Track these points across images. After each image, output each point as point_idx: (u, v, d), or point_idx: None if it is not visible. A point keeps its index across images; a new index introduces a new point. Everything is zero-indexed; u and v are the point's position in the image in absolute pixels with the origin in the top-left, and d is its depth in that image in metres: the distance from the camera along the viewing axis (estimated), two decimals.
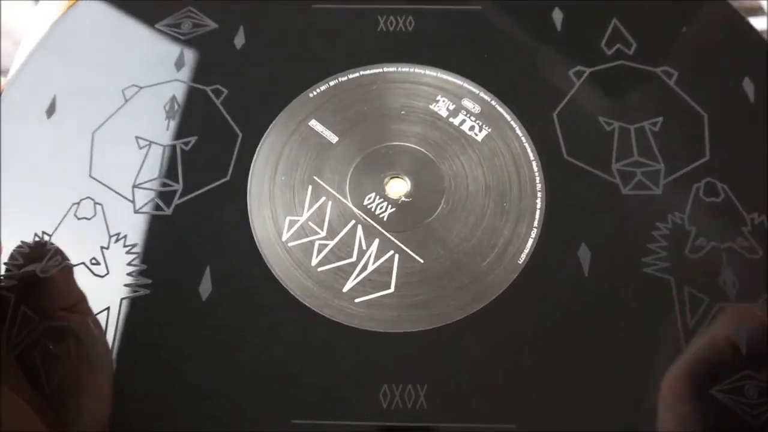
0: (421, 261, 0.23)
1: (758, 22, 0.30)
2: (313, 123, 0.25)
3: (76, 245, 0.23)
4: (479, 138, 0.25)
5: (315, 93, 0.26)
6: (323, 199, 0.24)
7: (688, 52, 0.26)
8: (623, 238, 0.23)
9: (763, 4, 0.30)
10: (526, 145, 0.25)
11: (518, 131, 0.25)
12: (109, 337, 0.22)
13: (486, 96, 0.26)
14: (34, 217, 0.24)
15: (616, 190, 0.24)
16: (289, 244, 0.23)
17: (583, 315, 0.22)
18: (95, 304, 0.23)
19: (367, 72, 0.26)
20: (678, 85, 0.26)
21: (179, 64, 0.26)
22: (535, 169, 0.24)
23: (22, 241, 0.23)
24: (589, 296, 0.22)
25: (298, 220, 0.24)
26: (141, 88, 0.26)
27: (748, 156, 0.24)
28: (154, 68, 0.26)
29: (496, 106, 0.25)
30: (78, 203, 0.24)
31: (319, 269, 0.23)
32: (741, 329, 0.21)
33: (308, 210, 0.24)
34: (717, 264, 0.23)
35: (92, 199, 0.24)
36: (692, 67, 0.26)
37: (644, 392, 0.21)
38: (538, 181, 0.24)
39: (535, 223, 0.23)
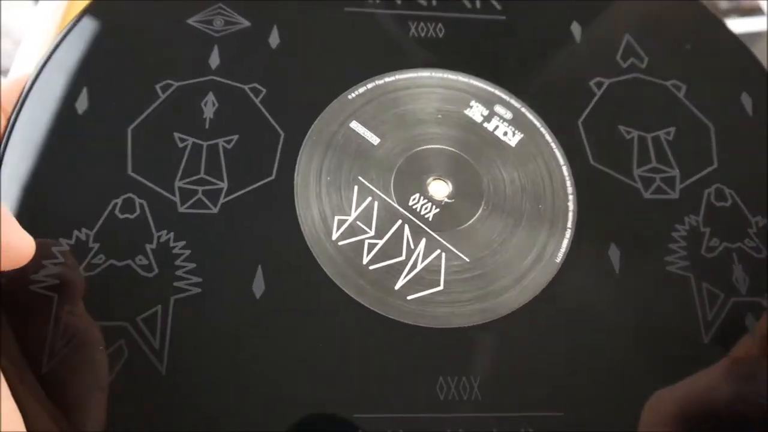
0: (467, 260, 0.24)
1: (758, 22, 0.32)
2: (354, 125, 0.26)
3: (120, 244, 0.23)
4: (512, 143, 0.26)
5: (354, 95, 0.26)
6: (369, 199, 0.25)
7: (693, 68, 0.29)
8: (648, 239, 0.25)
9: (763, 4, 0.33)
10: (556, 150, 0.26)
11: (548, 137, 0.27)
12: (162, 336, 0.22)
13: (516, 103, 0.27)
14: (71, 214, 0.23)
15: (639, 194, 0.26)
16: (340, 243, 0.24)
17: (617, 309, 0.24)
18: (145, 304, 0.22)
19: (403, 76, 0.27)
20: (686, 97, 0.28)
21: (214, 61, 0.26)
22: (566, 173, 0.26)
23: (61, 239, 0.23)
24: (622, 292, 0.24)
25: (347, 220, 0.24)
26: (176, 84, 0.26)
27: (750, 164, 0.27)
28: (188, 65, 0.26)
29: (526, 113, 0.27)
30: (119, 200, 0.24)
31: (371, 267, 0.24)
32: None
33: (356, 210, 0.24)
34: (729, 263, 0.25)
35: (134, 197, 0.24)
36: (697, 81, 0.28)
37: (673, 379, 0.23)
38: (569, 185, 0.26)
39: (569, 224, 0.25)
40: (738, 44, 0.29)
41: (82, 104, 0.25)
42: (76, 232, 0.23)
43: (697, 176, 0.26)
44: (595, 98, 0.27)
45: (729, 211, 0.26)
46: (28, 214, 0.23)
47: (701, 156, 0.27)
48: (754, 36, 0.36)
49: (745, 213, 0.26)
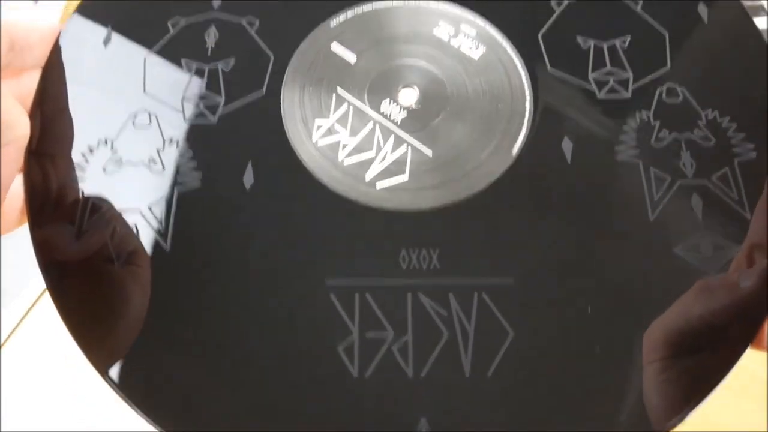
0: (430, 153, 0.27)
1: (758, 22, 0.33)
2: (335, 45, 0.30)
3: (136, 148, 0.27)
4: (476, 56, 0.29)
5: (335, 23, 0.30)
6: (345, 105, 0.28)
7: None
8: (599, 132, 0.28)
9: (764, 3, 0.34)
10: (516, 60, 0.29)
11: (509, 50, 0.29)
12: (167, 220, 0.26)
13: (481, 22, 0.30)
14: (99, 126, 0.28)
15: (593, 95, 0.28)
16: (318, 143, 0.27)
17: (567, 194, 0.26)
18: (154, 195, 0.27)
19: (380, 6, 0.30)
20: (643, 9, 0.30)
21: (216, 1, 0.31)
22: (524, 78, 0.29)
23: (88, 145, 0.28)
24: (573, 179, 0.27)
25: (325, 123, 0.28)
26: (184, 18, 0.30)
27: (704, 66, 0.29)
28: (193, 4, 0.30)
29: (489, 29, 0.30)
30: (135, 114, 0.28)
31: (345, 163, 0.27)
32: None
33: (333, 114, 0.28)
34: (678, 150, 0.27)
35: (148, 111, 0.28)
36: None
37: (619, 250, 0.25)
38: (526, 87, 0.28)
39: (525, 122, 0.28)
40: None
41: (107, 40, 0.30)
42: (99, 140, 0.28)
43: (650, 77, 0.29)
44: (555, 14, 0.30)
45: (680, 107, 0.28)
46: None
47: (655, 60, 0.29)
48: None
49: (695, 107, 0.28)
